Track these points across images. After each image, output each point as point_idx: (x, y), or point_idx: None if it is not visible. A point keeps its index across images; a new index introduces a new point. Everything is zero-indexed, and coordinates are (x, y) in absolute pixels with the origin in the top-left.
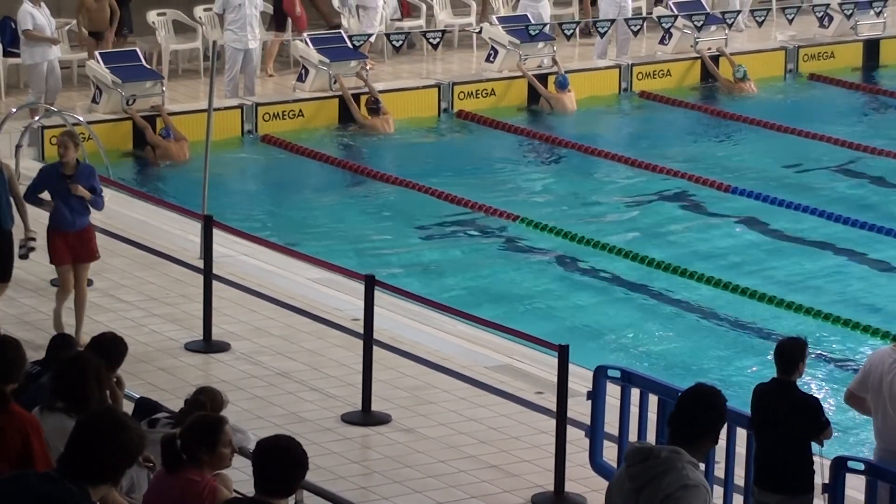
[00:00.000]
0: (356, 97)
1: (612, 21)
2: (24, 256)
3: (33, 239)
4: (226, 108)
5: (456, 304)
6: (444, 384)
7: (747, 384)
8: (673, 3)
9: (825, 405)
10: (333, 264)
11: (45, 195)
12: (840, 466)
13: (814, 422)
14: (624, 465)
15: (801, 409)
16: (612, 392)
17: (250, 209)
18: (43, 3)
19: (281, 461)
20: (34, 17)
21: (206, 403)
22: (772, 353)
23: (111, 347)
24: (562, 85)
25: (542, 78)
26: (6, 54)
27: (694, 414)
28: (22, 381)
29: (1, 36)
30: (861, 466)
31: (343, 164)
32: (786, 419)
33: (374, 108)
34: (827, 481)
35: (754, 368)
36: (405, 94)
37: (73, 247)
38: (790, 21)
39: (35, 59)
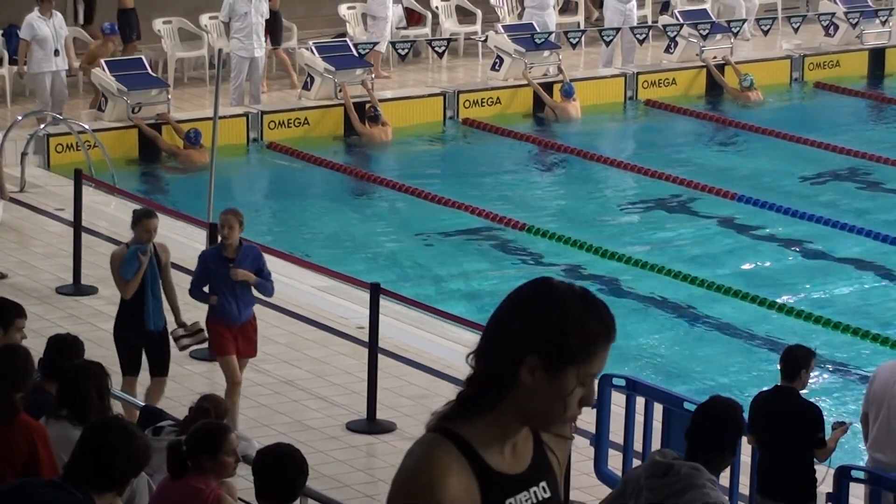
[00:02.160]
0: (360, 105)
1: (618, 29)
2: (186, 345)
3: (195, 323)
4: (231, 116)
5: (461, 312)
6: (449, 392)
7: (752, 392)
8: (678, 11)
9: (832, 415)
10: (338, 272)
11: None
12: (843, 475)
13: (813, 429)
14: (643, 474)
15: (801, 415)
16: (617, 401)
17: (255, 217)
18: (57, 14)
19: (282, 468)
20: (35, 27)
21: (210, 411)
22: (777, 361)
23: (72, 346)
24: (567, 93)
25: (548, 86)
26: (12, 62)
27: (712, 428)
28: (30, 389)
29: (7, 44)
30: (865, 475)
31: (348, 172)
32: (787, 426)
33: (374, 116)
34: (831, 490)
35: (760, 377)
36: (410, 102)
37: (235, 339)
38: (796, 30)
39: (35, 69)
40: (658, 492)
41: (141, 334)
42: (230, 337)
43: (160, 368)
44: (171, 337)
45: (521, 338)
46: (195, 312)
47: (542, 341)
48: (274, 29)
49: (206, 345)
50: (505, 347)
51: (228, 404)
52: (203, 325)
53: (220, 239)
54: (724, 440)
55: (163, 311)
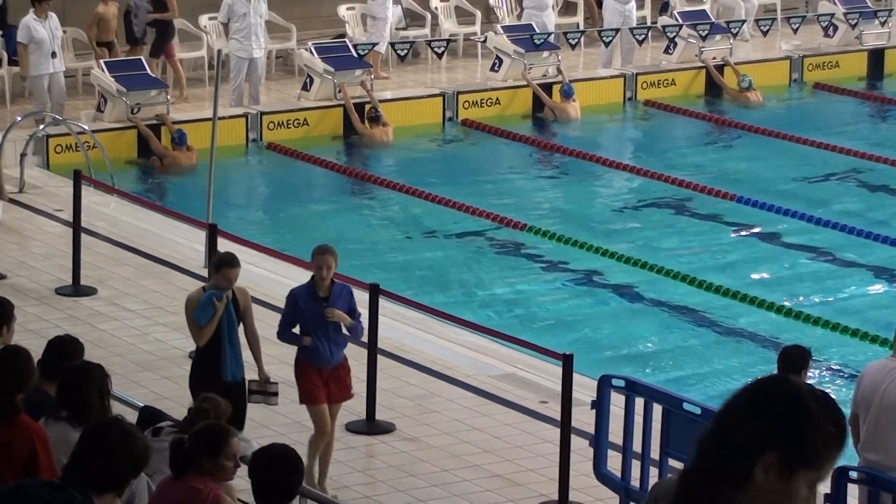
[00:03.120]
0: (359, 106)
1: (617, 30)
2: (255, 401)
3: (273, 383)
4: (231, 117)
5: (460, 313)
6: (448, 393)
7: None
8: (678, 12)
9: None
10: (337, 272)
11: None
12: (841, 476)
13: None
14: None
15: None
16: (617, 401)
17: (254, 218)
18: (52, 15)
19: (277, 469)
20: (32, 29)
21: (209, 411)
22: (776, 361)
23: (71, 347)
24: (567, 94)
25: (547, 87)
26: (11, 63)
27: None
28: (30, 391)
29: (6, 45)
30: (862, 476)
31: (347, 173)
32: None
33: (375, 117)
34: (828, 490)
35: (759, 377)
36: (410, 102)
37: (326, 383)
38: (795, 30)
39: (33, 71)
40: None
41: (217, 385)
42: (320, 382)
43: (236, 423)
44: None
45: (760, 434)
46: (276, 348)
47: (783, 439)
48: (163, 37)
49: (272, 400)
50: (742, 443)
51: (322, 460)
52: (273, 381)
53: (312, 277)
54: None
55: (240, 360)
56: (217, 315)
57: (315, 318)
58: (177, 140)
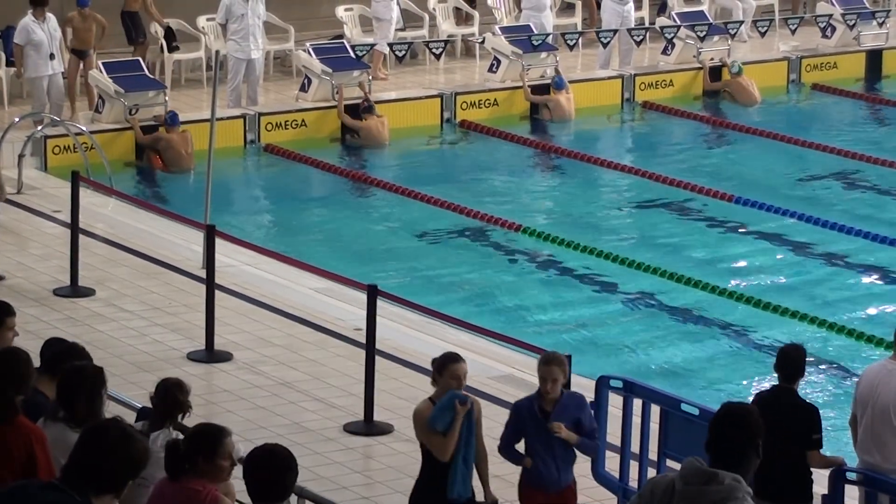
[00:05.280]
0: (352, 108)
1: (615, 31)
2: None
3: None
4: (228, 118)
5: (458, 313)
6: None
7: (748, 392)
8: (676, 13)
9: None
10: (335, 274)
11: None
12: (839, 477)
13: (809, 430)
14: (680, 482)
15: (799, 414)
16: (615, 402)
17: (253, 219)
18: (50, 17)
19: (267, 467)
20: (30, 31)
21: (169, 389)
22: (773, 361)
23: (72, 349)
24: (558, 86)
25: (545, 88)
26: (9, 64)
27: (728, 436)
28: (29, 392)
29: (4, 46)
30: (860, 477)
31: (345, 174)
32: (786, 426)
33: (367, 107)
34: (826, 492)
35: (757, 376)
36: (408, 103)
37: None
38: (793, 31)
39: (32, 73)
40: (697, 499)
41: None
42: None
43: None
44: None
45: None
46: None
47: None
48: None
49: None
50: None
51: None
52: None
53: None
54: (744, 447)
55: (471, 480)
56: (459, 420)
57: (538, 434)
58: (169, 121)
